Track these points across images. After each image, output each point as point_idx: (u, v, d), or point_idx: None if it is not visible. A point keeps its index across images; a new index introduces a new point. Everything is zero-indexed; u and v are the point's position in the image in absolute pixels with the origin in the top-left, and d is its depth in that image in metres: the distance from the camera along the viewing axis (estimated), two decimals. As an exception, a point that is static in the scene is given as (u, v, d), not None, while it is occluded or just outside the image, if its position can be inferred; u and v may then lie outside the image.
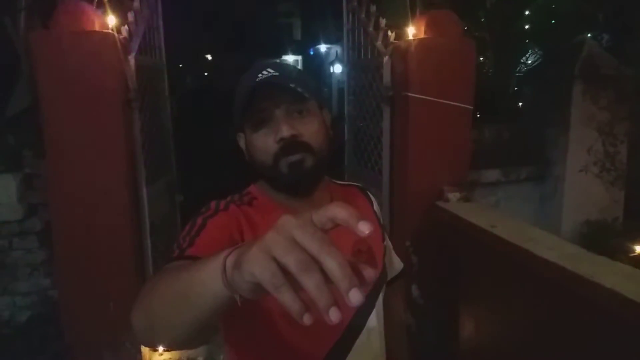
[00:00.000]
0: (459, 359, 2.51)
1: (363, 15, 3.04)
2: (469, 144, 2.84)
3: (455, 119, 2.70)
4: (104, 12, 2.39)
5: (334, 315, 0.45)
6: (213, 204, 0.99)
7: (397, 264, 1.29)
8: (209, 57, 16.47)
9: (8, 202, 2.63)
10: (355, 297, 0.44)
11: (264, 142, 0.96)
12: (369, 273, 0.49)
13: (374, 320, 1.04)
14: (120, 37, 2.42)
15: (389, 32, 2.75)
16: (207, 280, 0.58)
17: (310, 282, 0.44)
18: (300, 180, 0.98)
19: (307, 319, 0.46)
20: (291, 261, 0.45)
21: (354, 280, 0.45)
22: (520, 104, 3.81)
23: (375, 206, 1.20)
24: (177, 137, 3.35)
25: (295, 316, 0.46)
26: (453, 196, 2.63)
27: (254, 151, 0.99)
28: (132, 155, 2.53)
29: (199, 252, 0.83)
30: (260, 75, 0.93)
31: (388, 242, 1.22)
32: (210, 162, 6.59)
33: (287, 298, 0.46)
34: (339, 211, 0.49)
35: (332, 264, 0.45)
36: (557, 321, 1.72)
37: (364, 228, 0.48)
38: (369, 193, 1.23)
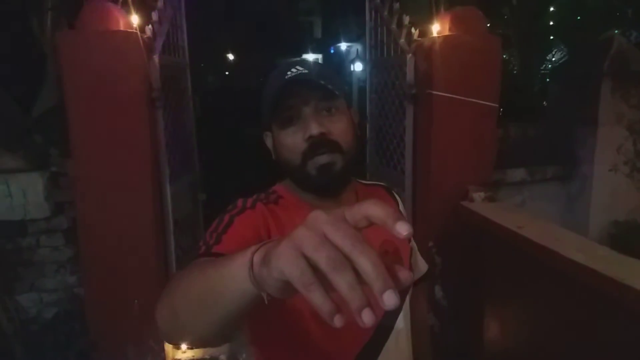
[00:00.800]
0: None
1: (386, 13, 3.01)
2: (494, 142, 2.79)
3: (479, 117, 2.66)
4: (129, 12, 2.41)
5: (367, 318, 0.42)
6: (240, 201, 0.98)
7: (422, 266, 1.27)
8: (230, 56, 16.57)
9: (35, 200, 2.67)
10: (390, 299, 0.41)
11: (293, 140, 0.94)
12: (404, 275, 0.46)
13: (402, 321, 1.03)
14: (144, 36, 2.43)
15: (413, 30, 2.72)
16: (233, 277, 0.56)
17: (343, 282, 0.42)
18: (329, 182, 0.96)
19: (338, 321, 0.43)
20: (322, 258, 0.43)
21: (389, 282, 0.42)
22: (545, 101, 3.74)
23: (401, 206, 1.19)
24: (199, 136, 3.37)
25: (325, 317, 0.43)
26: (478, 196, 2.59)
27: (282, 149, 0.97)
28: (155, 154, 2.55)
29: (225, 249, 0.82)
30: (289, 72, 0.92)
31: (413, 243, 1.21)
32: (233, 161, 6.63)
33: (317, 297, 0.43)
34: (375, 209, 0.46)
35: (366, 263, 0.42)
36: (584, 324, 1.68)
37: (402, 229, 0.45)
38: (395, 193, 1.22)
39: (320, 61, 17.26)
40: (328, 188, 0.99)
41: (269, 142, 1.04)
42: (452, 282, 2.70)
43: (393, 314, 1.01)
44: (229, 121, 8.68)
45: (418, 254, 1.26)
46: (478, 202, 2.58)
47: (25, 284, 2.78)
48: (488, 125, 2.71)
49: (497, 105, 2.67)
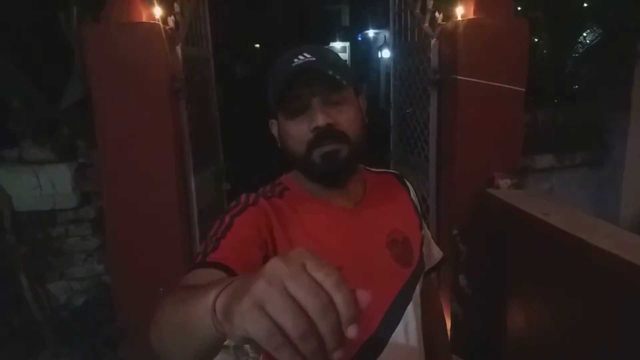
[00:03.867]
0: (507, 349, 2.43)
1: (410, -2, 2.96)
2: (521, 128, 2.72)
3: (506, 103, 2.59)
4: (151, 4, 2.42)
5: None
6: (243, 197, 0.97)
7: (437, 254, 1.25)
8: (258, 46, 16.58)
9: (63, 191, 2.74)
10: (338, 356, 0.43)
11: (298, 131, 0.93)
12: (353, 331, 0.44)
13: (412, 312, 1.01)
14: (167, 27, 2.45)
15: (437, 14, 2.66)
16: (199, 318, 0.55)
17: (307, 349, 0.42)
18: (334, 170, 0.95)
19: None
20: (288, 324, 0.42)
21: (341, 343, 0.43)
22: (576, 85, 3.63)
23: (412, 194, 1.16)
24: (225, 126, 3.38)
25: None
26: (504, 183, 2.53)
27: (288, 139, 0.96)
28: (179, 145, 2.58)
29: (222, 256, 0.81)
30: (296, 60, 0.91)
31: (426, 231, 1.18)
32: (257, 151, 6.65)
33: (286, 356, 0.43)
34: (338, 297, 0.44)
35: (327, 329, 0.42)
36: (612, 313, 1.63)
37: (351, 333, 0.44)
38: (406, 180, 1.19)
39: (347, 49, 17.15)
40: (333, 176, 0.97)
41: (274, 130, 1.03)
42: (477, 271, 2.66)
43: (401, 305, 1.00)
44: (254, 112, 8.70)
45: (432, 241, 1.24)
46: (504, 189, 2.52)
47: (55, 273, 2.86)
48: (515, 111, 2.64)
49: (524, 90, 2.60)
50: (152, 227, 2.54)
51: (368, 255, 0.96)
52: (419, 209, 1.16)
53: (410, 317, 1.01)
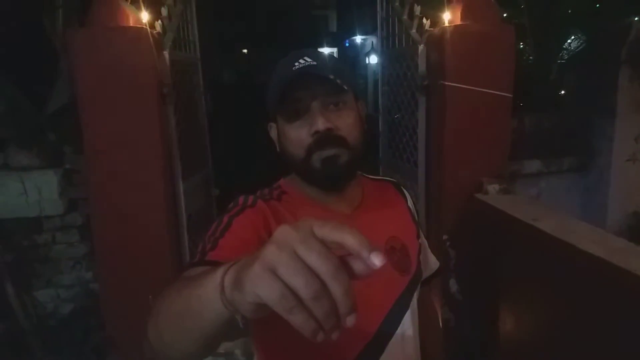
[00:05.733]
0: (498, 354, 2.44)
1: (397, 4, 2.97)
2: (509, 133, 2.74)
3: (494, 108, 2.61)
4: (138, 8, 2.41)
5: (335, 335, 0.45)
6: (241, 199, 0.97)
7: (433, 263, 1.25)
8: (245, 51, 16.58)
9: (50, 197, 2.70)
10: (351, 321, 0.44)
11: (298, 135, 0.93)
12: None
13: (409, 320, 1.01)
14: (154, 32, 2.43)
15: (424, 20, 2.68)
16: (207, 299, 0.55)
17: (321, 310, 0.43)
18: (333, 175, 0.95)
19: (320, 337, 0.44)
20: (300, 285, 0.42)
21: (355, 306, 0.44)
22: (562, 91, 3.67)
23: (410, 202, 1.16)
24: (212, 132, 3.37)
25: (308, 336, 0.44)
26: (492, 188, 2.55)
27: (287, 143, 0.96)
28: (167, 150, 2.56)
29: (221, 255, 0.80)
30: (297, 63, 0.91)
31: (423, 240, 1.18)
32: (247, 156, 6.64)
33: (300, 320, 0.43)
34: (350, 239, 0.45)
35: (339, 291, 0.43)
36: (602, 318, 1.65)
37: (377, 261, 0.45)
38: (404, 189, 1.19)
39: (335, 55, 17.21)
40: (332, 181, 0.97)
41: (273, 134, 1.03)
42: (467, 276, 2.66)
43: (398, 314, 0.99)
44: (243, 117, 8.68)
45: (429, 250, 1.24)
46: (493, 194, 2.53)
47: (42, 280, 2.82)
48: (502, 116, 2.66)
49: (511, 96, 2.62)
50: (140, 233, 2.51)
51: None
52: (416, 217, 1.16)
53: (408, 325, 1.00)
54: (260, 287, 0.44)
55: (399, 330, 0.98)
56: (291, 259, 0.43)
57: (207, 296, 0.54)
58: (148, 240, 2.52)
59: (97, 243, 2.55)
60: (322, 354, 0.89)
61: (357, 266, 0.46)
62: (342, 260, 0.46)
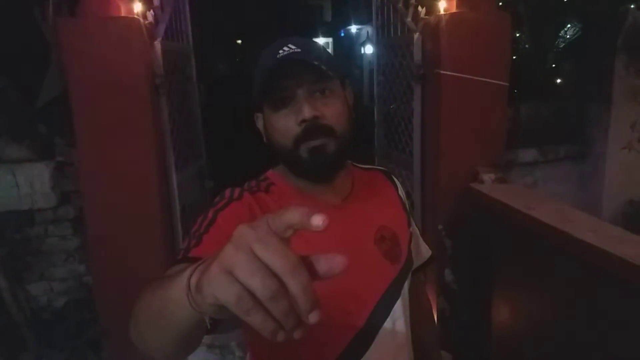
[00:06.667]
0: (493, 343, 2.44)
1: (392, -8, 2.94)
2: (505, 122, 2.72)
3: (489, 97, 2.59)
4: (130, -2, 2.38)
5: (297, 334, 0.44)
6: (227, 192, 0.95)
7: (425, 252, 1.23)
8: (239, 41, 16.49)
9: (42, 190, 2.68)
10: (314, 318, 0.43)
11: (285, 124, 0.91)
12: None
13: (400, 310, 0.99)
14: (146, 22, 2.40)
15: (419, 8, 2.65)
16: (176, 301, 0.54)
17: (278, 310, 0.41)
18: (321, 165, 0.93)
19: (281, 337, 0.43)
20: (257, 285, 0.41)
21: (315, 303, 0.42)
22: (558, 79, 3.66)
23: (400, 191, 1.15)
24: (206, 124, 3.34)
25: (268, 337, 0.43)
26: (488, 177, 2.54)
27: (274, 133, 0.94)
28: (160, 142, 2.53)
29: (204, 251, 0.79)
30: (281, 51, 0.88)
31: (415, 229, 1.17)
32: (241, 148, 6.61)
33: (258, 320, 0.42)
34: (291, 216, 0.45)
35: (297, 288, 0.41)
36: (597, 306, 1.64)
37: (318, 222, 0.44)
38: (394, 177, 1.18)
39: (330, 44, 17.14)
40: (320, 171, 0.95)
41: (259, 124, 1.01)
42: (462, 265, 2.66)
43: (388, 302, 0.98)
44: (237, 109, 8.65)
45: (420, 239, 1.22)
46: (488, 183, 2.52)
47: (35, 273, 2.80)
48: (498, 105, 2.65)
49: (507, 84, 2.61)
50: (133, 225, 2.49)
51: (355, 251, 0.94)
52: (406, 205, 1.15)
53: (398, 314, 0.99)
54: (217, 289, 0.44)
55: (389, 320, 0.97)
56: (247, 259, 0.42)
57: (176, 297, 0.54)
58: (141, 233, 2.50)
59: (90, 236, 2.53)
60: (309, 346, 0.88)
61: (321, 266, 0.45)
62: (305, 260, 0.44)
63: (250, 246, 0.43)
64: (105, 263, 2.53)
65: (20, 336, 2.65)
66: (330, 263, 0.45)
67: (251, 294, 0.41)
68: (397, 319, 0.99)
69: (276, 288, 0.41)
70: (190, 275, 0.52)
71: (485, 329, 2.46)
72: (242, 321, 1.00)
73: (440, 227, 2.65)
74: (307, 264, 0.44)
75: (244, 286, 0.42)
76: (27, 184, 2.66)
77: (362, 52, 15.37)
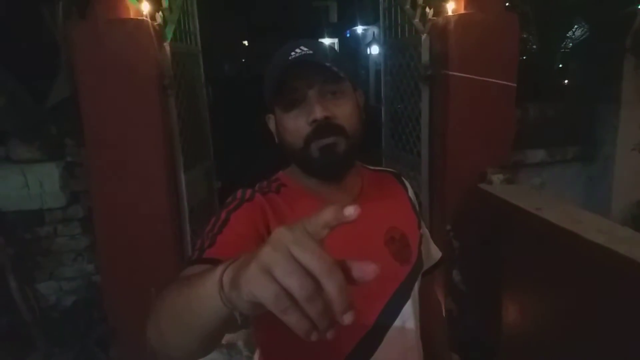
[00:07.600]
0: (501, 344, 2.44)
1: (400, -7, 2.94)
2: (513, 123, 2.72)
3: (497, 98, 2.59)
4: (139, 0, 2.39)
5: (329, 335, 0.45)
6: (239, 193, 0.96)
7: (435, 253, 1.23)
8: (246, 43, 16.54)
9: (51, 190, 2.70)
10: (348, 319, 0.44)
11: (295, 124, 0.92)
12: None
13: (409, 311, 1.00)
14: (155, 24, 2.41)
15: (427, 9, 2.65)
16: (206, 297, 0.56)
17: (314, 310, 0.43)
18: (331, 164, 0.93)
19: (315, 337, 0.45)
20: (294, 285, 0.43)
21: (351, 304, 0.44)
22: (566, 80, 3.65)
23: (410, 193, 1.15)
24: (214, 125, 3.35)
25: (302, 336, 0.44)
26: (496, 178, 2.53)
27: (285, 133, 0.95)
28: (169, 142, 2.55)
29: (219, 252, 0.80)
30: (293, 53, 0.89)
31: (425, 230, 1.17)
32: (248, 149, 6.63)
33: (294, 320, 0.44)
34: (326, 215, 0.47)
35: (333, 289, 0.43)
36: (606, 307, 1.64)
37: (351, 211, 0.47)
38: (404, 179, 1.18)
39: (336, 46, 17.16)
40: (331, 170, 0.96)
41: (271, 125, 1.02)
42: (471, 266, 2.66)
43: (398, 304, 0.98)
44: (244, 109, 8.68)
45: (431, 241, 1.22)
46: (496, 184, 2.52)
47: (44, 273, 2.82)
48: (506, 106, 2.64)
49: (515, 85, 2.60)
50: (142, 225, 2.50)
51: (365, 251, 0.94)
52: (417, 207, 1.15)
53: (408, 316, 0.99)
54: (256, 287, 0.45)
55: (398, 321, 0.97)
56: (285, 260, 0.44)
57: (207, 294, 0.55)
58: (149, 233, 2.52)
59: (99, 235, 2.55)
60: (319, 345, 0.88)
61: (356, 271, 0.46)
62: (341, 264, 0.46)
63: (287, 247, 0.44)
64: (114, 262, 2.54)
65: (29, 335, 2.67)
66: (364, 270, 0.46)
67: (288, 294, 0.43)
68: (407, 320, 0.99)
69: (313, 288, 0.43)
70: (223, 272, 0.53)
71: (493, 330, 2.45)
72: (254, 320, 1.00)
73: (448, 227, 2.65)
74: (342, 268, 0.45)
75: (281, 286, 0.43)
76: (37, 184, 2.68)
77: (368, 52, 15.38)
